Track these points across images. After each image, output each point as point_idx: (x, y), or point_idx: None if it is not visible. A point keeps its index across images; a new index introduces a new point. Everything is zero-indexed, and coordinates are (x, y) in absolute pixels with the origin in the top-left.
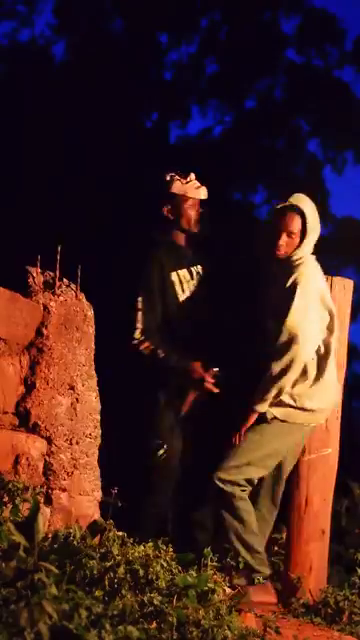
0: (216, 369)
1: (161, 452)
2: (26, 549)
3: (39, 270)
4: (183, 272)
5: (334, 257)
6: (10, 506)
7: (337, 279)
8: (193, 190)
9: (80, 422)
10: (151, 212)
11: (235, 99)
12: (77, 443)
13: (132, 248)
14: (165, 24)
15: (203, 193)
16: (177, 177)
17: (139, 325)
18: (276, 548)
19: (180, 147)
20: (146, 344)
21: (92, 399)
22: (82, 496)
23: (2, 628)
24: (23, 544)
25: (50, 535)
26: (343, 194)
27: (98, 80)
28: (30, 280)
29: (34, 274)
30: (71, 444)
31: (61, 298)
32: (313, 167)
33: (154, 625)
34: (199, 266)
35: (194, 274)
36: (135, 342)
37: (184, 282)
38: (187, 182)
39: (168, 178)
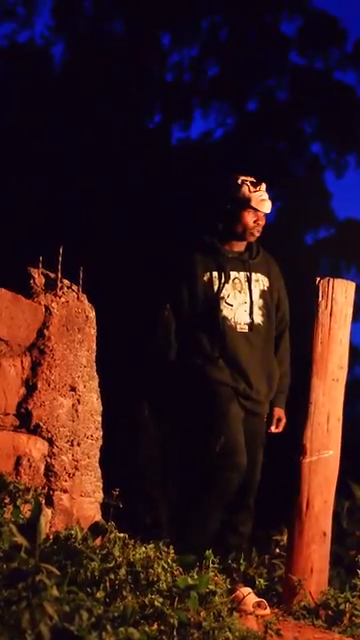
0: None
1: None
2: (27, 550)
3: (41, 271)
4: (216, 274)
5: (336, 259)
6: (11, 507)
7: (338, 281)
8: (258, 200)
9: (81, 423)
10: (156, 214)
11: (237, 101)
12: (78, 444)
13: (133, 249)
14: (167, 26)
15: (267, 207)
16: (248, 182)
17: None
18: (277, 550)
19: (182, 149)
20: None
21: (93, 400)
22: (83, 497)
23: (3, 629)
24: (24, 545)
25: (51, 536)
26: (345, 196)
27: (98, 81)
28: (32, 281)
29: (36, 275)
30: (72, 445)
31: (63, 299)
32: (315, 169)
33: (155, 627)
34: (242, 272)
35: (231, 279)
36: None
37: (215, 285)
38: (256, 191)
39: (239, 181)
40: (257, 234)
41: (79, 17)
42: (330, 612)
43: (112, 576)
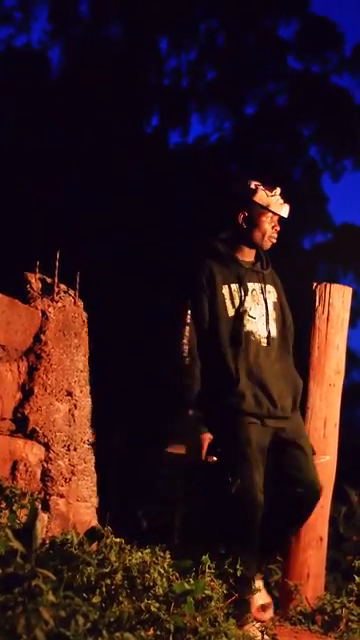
0: (214, 458)
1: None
2: (23, 555)
3: (38, 276)
4: (235, 287)
5: (333, 264)
6: (7, 512)
7: (335, 286)
8: (277, 205)
9: (78, 428)
10: (156, 219)
11: (234, 105)
12: (75, 449)
13: (131, 254)
14: (164, 30)
15: (285, 211)
16: (263, 187)
17: (185, 350)
18: None
19: (180, 153)
20: (186, 373)
21: (90, 405)
22: (80, 502)
23: None
24: (20, 550)
25: (47, 541)
26: (342, 200)
27: (96, 86)
28: (28, 286)
29: (32, 280)
30: (69, 450)
31: (59, 304)
32: (312, 173)
33: (151, 632)
34: (257, 284)
35: (249, 291)
36: (180, 359)
37: (235, 298)
38: (273, 195)
39: (253, 186)
40: (274, 240)
41: (76, 22)
42: (326, 617)
43: (108, 581)
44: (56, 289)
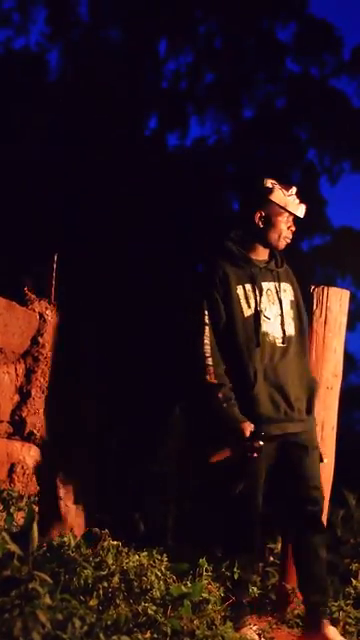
0: (261, 443)
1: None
2: (20, 558)
3: (35, 279)
4: (249, 287)
5: (331, 267)
6: (5, 515)
7: (333, 290)
8: (293, 204)
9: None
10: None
11: (233, 108)
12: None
13: (129, 256)
14: (163, 33)
15: (302, 211)
16: (279, 186)
17: (207, 351)
18: (271, 558)
19: (178, 156)
20: (211, 373)
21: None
22: (77, 505)
23: None
24: (18, 553)
25: (45, 544)
26: (340, 203)
27: (94, 88)
28: (26, 288)
29: (30, 282)
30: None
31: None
32: (310, 176)
33: (148, 635)
34: (272, 283)
35: (264, 290)
36: (204, 369)
37: (250, 298)
38: (290, 194)
39: (269, 185)
40: (289, 240)
41: (75, 24)
42: None
43: (105, 584)
44: (53, 292)
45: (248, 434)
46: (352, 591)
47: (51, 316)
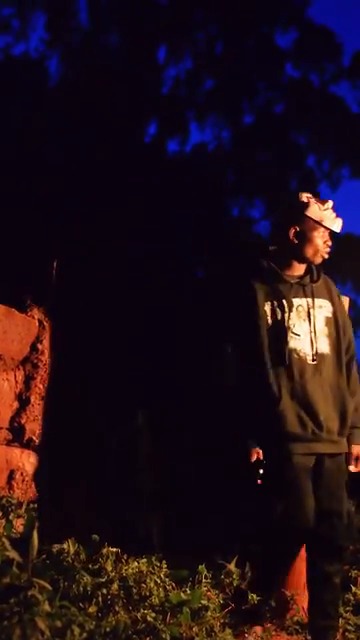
0: (261, 471)
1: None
2: (20, 565)
3: (34, 285)
4: (278, 303)
5: (331, 273)
6: (4, 522)
7: None
8: (330, 219)
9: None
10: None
11: (232, 114)
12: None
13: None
14: (162, 39)
15: (338, 225)
16: (315, 200)
17: (231, 362)
18: None
19: (178, 162)
20: (238, 383)
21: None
22: (76, 511)
23: None
24: (17, 560)
25: (44, 551)
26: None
27: (94, 94)
28: (25, 295)
29: (29, 289)
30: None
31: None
32: (310, 182)
33: None
34: (304, 299)
35: (294, 307)
36: (229, 378)
37: (278, 314)
38: (326, 209)
39: (304, 199)
40: (326, 255)
41: (74, 30)
42: None
43: (104, 591)
44: (53, 298)
45: (256, 456)
46: (351, 598)
47: (50, 323)
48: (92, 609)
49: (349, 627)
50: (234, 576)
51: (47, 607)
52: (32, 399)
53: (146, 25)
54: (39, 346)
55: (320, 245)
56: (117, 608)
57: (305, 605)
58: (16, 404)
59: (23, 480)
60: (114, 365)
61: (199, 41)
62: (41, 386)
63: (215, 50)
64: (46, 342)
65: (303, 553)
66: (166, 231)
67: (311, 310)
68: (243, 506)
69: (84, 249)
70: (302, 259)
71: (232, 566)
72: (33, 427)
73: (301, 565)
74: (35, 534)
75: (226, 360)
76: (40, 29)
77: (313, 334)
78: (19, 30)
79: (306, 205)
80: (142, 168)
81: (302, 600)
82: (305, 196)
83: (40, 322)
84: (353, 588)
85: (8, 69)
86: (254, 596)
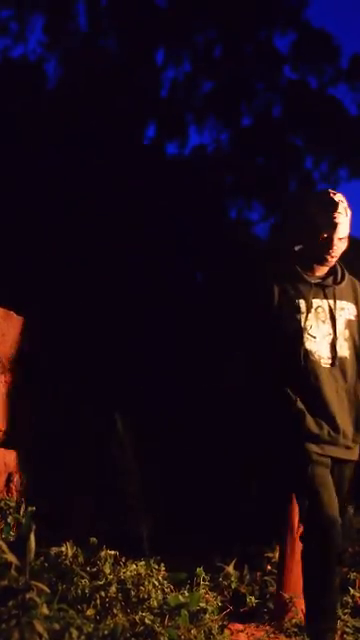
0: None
1: None
2: (18, 568)
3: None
4: (297, 304)
5: None
6: (2, 524)
7: None
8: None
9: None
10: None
11: (231, 117)
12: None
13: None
14: (161, 41)
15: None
16: (331, 204)
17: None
18: (269, 567)
19: (177, 164)
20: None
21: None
22: (74, 513)
23: None
24: (15, 563)
25: (42, 554)
26: None
27: (92, 97)
28: (23, 297)
29: (27, 291)
30: None
31: None
32: (308, 184)
33: None
34: (324, 300)
35: (313, 308)
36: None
37: (296, 315)
38: (339, 212)
39: (328, 202)
40: (336, 255)
41: (73, 33)
42: None
43: (102, 594)
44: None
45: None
46: (350, 600)
47: (47, 325)
48: (90, 612)
49: (347, 629)
50: (232, 578)
51: (45, 610)
52: (30, 401)
53: (145, 28)
54: (35, 348)
55: (340, 246)
56: (115, 611)
57: (304, 607)
58: (11, 406)
59: (21, 483)
60: (109, 366)
61: (198, 44)
62: (38, 388)
63: (213, 53)
64: (42, 344)
65: (299, 554)
66: (165, 233)
67: (332, 312)
68: (243, 506)
69: (83, 251)
70: (320, 261)
71: (230, 568)
72: (30, 429)
73: (299, 567)
74: (32, 537)
75: (235, 361)
76: (38, 32)
77: (333, 337)
78: (17, 32)
79: (328, 207)
80: (141, 170)
81: (301, 602)
82: (323, 200)
83: (38, 324)
84: (351, 590)
85: (6, 71)
86: (252, 598)
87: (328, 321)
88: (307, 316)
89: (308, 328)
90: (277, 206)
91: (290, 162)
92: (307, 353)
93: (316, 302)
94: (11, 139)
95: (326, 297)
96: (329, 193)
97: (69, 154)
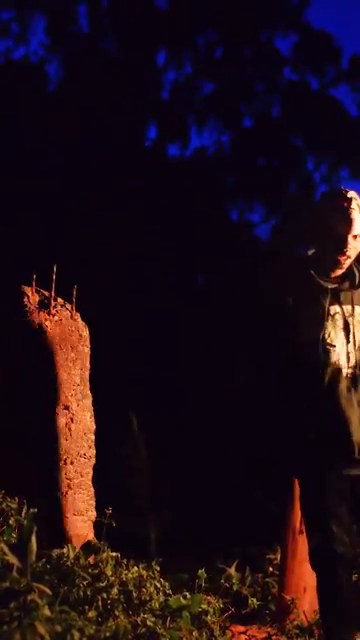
0: None
1: None
2: (19, 570)
3: (34, 289)
4: (314, 311)
5: None
6: (4, 526)
7: None
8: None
9: (75, 442)
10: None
11: (232, 118)
12: (72, 463)
13: (130, 265)
14: (162, 43)
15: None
16: (347, 205)
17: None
18: (271, 569)
19: (178, 166)
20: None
21: (87, 419)
22: (76, 516)
23: None
24: (16, 565)
25: (43, 555)
26: None
27: (94, 98)
28: (25, 299)
29: (29, 293)
30: (65, 464)
31: (56, 318)
32: (309, 185)
33: None
34: (342, 307)
35: (330, 315)
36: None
37: (313, 322)
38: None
39: (337, 205)
40: (352, 257)
41: (74, 35)
42: (323, 631)
43: (104, 595)
44: (53, 303)
45: None
46: None
47: (50, 327)
48: (92, 613)
49: None
50: (234, 580)
51: (47, 611)
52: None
53: (146, 30)
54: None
55: (358, 248)
56: (117, 612)
57: (305, 608)
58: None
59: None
60: (114, 367)
61: (198, 46)
62: (42, 390)
63: (214, 54)
64: (46, 346)
65: (302, 557)
66: (166, 235)
67: (349, 319)
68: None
69: (83, 252)
70: (336, 264)
71: (232, 570)
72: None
73: (300, 569)
74: (34, 539)
75: (237, 363)
76: (40, 33)
77: (352, 344)
78: (19, 34)
79: (350, 201)
80: (142, 172)
81: (302, 604)
82: (338, 201)
83: (40, 326)
84: None
85: (8, 73)
86: (254, 600)
87: (346, 328)
88: (325, 324)
89: (327, 337)
90: (278, 207)
91: (291, 163)
92: (325, 363)
93: (333, 309)
94: (12, 140)
95: (343, 303)
96: (342, 190)
97: (70, 155)
